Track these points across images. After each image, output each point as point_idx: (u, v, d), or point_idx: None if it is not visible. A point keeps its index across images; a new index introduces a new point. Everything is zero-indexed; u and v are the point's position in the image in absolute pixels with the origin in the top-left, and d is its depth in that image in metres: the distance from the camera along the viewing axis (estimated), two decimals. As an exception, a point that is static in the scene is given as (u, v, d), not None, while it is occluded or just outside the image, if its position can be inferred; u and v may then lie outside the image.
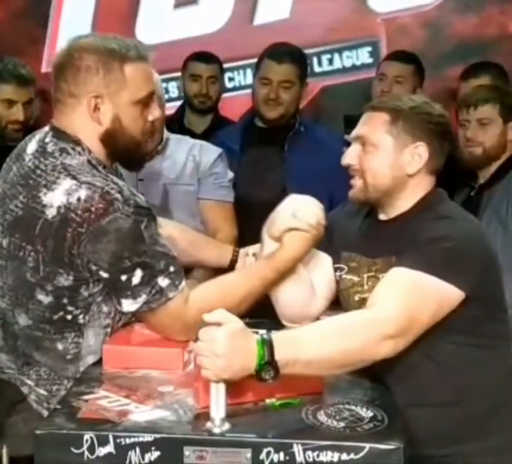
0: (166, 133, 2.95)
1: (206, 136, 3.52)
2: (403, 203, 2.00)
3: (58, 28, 4.51)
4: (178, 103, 4.08)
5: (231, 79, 4.51)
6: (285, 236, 2.02)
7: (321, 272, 2.13)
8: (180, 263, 1.95)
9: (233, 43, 4.27)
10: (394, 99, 2.03)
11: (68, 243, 1.86)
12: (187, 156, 2.95)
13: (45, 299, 1.93)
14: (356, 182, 2.01)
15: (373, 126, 1.98)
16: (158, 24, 4.54)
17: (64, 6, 4.56)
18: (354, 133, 2.02)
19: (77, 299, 1.93)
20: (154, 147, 2.90)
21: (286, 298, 2.10)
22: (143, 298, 1.89)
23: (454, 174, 3.13)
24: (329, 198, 3.19)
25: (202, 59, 3.95)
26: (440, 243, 1.84)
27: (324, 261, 2.14)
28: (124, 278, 1.88)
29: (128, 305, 1.91)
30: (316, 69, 4.37)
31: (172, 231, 2.39)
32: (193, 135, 3.39)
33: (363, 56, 4.45)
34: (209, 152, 2.99)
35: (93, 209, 1.84)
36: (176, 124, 3.68)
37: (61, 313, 1.94)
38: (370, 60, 4.43)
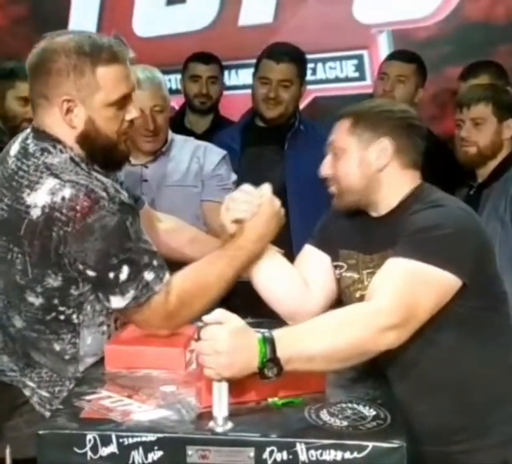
0: (170, 134, 2.95)
1: (206, 136, 3.52)
2: (388, 200, 2.01)
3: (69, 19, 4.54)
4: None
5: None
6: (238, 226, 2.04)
7: (316, 270, 2.14)
8: (162, 257, 1.95)
9: (218, 42, 4.25)
10: (357, 105, 2.07)
11: (54, 243, 1.85)
12: (191, 158, 2.95)
13: (36, 301, 1.93)
14: (334, 190, 2.05)
15: (338, 132, 2.04)
16: (152, 19, 4.56)
17: (71, 10, 4.58)
18: (326, 143, 2.07)
19: (68, 299, 1.93)
20: (159, 147, 2.90)
21: (274, 295, 2.11)
22: (131, 293, 1.89)
23: (453, 173, 3.13)
24: (329, 197, 3.19)
25: (202, 60, 3.96)
26: (434, 231, 1.85)
27: (319, 259, 2.14)
28: (111, 275, 1.87)
29: (117, 302, 1.90)
30: None
31: (172, 228, 2.39)
32: (194, 136, 3.40)
33: (347, 69, 4.41)
34: (214, 154, 2.99)
35: (78, 207, 1.83)
36: (177, 124, 3.68)
37: (54, 314, 1.94)
38: (356, 74, 4.40)
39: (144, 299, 1.90)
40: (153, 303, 1.91)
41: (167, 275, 1.93)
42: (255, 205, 2.02)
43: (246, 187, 2.06)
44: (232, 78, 4.28)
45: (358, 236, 2.07)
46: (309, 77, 4.17)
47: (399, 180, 2.01)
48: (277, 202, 2.07)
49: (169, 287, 1.93)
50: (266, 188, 2.07)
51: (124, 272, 1.87)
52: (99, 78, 1.91)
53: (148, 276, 1.90)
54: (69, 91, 1.91)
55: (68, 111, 1.92)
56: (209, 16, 4.50)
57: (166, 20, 4.56)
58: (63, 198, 1.84)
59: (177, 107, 4.09)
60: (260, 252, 2.06)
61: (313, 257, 2.16)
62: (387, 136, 1.98)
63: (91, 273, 1.88)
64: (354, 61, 4.40)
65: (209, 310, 1.70)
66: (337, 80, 4.43)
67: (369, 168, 1.99)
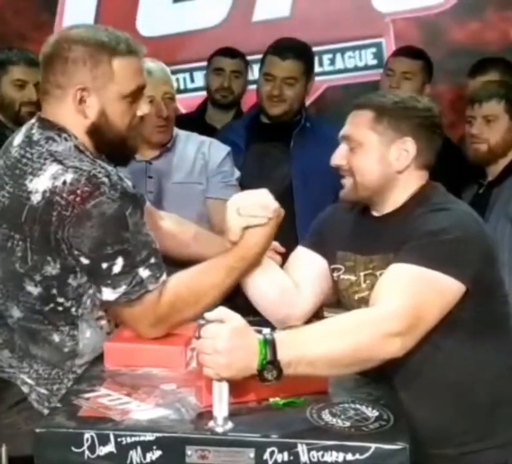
0: (174, 130, 2.93)
1: None
2: (395, 199, 1.98)
3: (63, 14, 4.49)
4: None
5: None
6: (244, 234, 1.98)
7: (308, 273, 2.11)
8: (161, 256, 1.92)
9: (232, 39, 4.23)
10: (378, 96, 2.00)
11: (53, 227, 1.83)
12: (196, 154, 2.93)
13: (34, 290, 1.91)
14: (347, 182, 1.99)
15: (358, 124, 1.96)
16: (158, 18, 4.53)
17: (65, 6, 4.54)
18: (341, 132, 2.00)
19: (65, 290, 1.91)
20: (168, 140, 2.88)
21: (262, 300, 2.09)
22: (123, 288, 1.86)
23: (462, 171, 3.10)
24: (335, 194, 3.17)
25: (227, 54, 3.97)
26: (438, 236, 1.82)
27: (312, 261, 2.12)
28: (105, 265, 1.85)
29: (108, 294, 1.87)
30: (317, 69, 4.30)
31: (175, 225, 2.37)
32: (214, 131, 3.38)
33: (367, 57, 4.42)
34: (219, 150, 2.97)
35: (78, 191, 1.82)
36: (197, 120, 3.66)
37: (52, 305, 1.92)
38: (374, 62, 4.41)
39: (135, 296, 1.87)
40: (144, 302, 1.88)
41: (164, 275, 1.91)
42: (271, 210, 1.96)
43: (264, 191, 1.99)
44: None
45: (356, 236, 2.04)
46: (327, 67, 4.26)
47: (412, 180, 1.97)
48: (282, 213, 2.01)
49: (164, 289, 1.91)
50: (272, 200, 1.99)
51: (118, 264, 1.84)
52: (115, 68, 1.92)
53: (143, 273, 1.87)
54: (85, 80, 1.91)
55: (82, 100, 1.92)
56: (222, 12, 4.47)
57: (174, 18, 4.52)
58: (64, 182, 1.83)
59: (181, 108, 4.06)
60: (258, 263, 2.04)
61: (305, 259, 2.13)
62: (409, 136, 1.92)
63: (84, 261, 1.86)
64: (373, 49, 4.40)
65: (211, 308, 1.68)
66: (356, 69, 4.44)
67: (389, 167, 1.94)
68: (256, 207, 1.96)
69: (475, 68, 3.66)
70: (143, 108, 1.99)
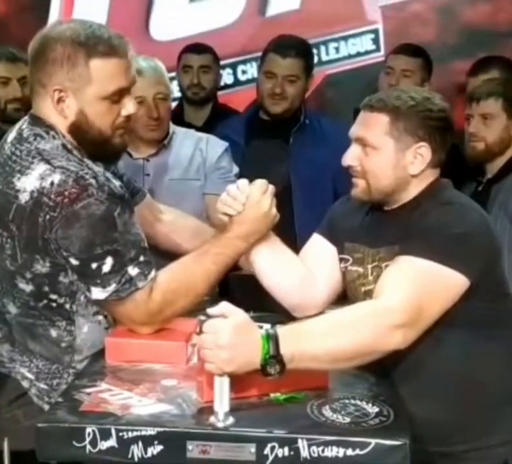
0: (171, 127, 2.93)
1: (206, 128, 3.49)
2: (406, 196, 1.98)
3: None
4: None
5: (244, 72, 4.51)
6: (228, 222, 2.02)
7: (323, 261, 2.12)
8: (150, 254, 1.93)
9: (247, 36, 4.25)
10: (393, 98, 1.95)
11: (40, 228, 1.84)
12: (194, 151, 2.92)
13: (26, 287, 1.91)
14: (359, 183, 1.98)
15: (373, 128, 1.94)
16: (173, 20, 4.50)
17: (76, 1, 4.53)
18: (354, 134, 1.98)
19: (58, 287, 1.91)
20: (162, 137, 2.88)
21: (278, 286, 2.09)
22: (113, 286, 1.86)
23: (461, 168, 3.10)
24: (334, 191, 3.19)
25: (194, 50, 3.97)
26: (445, 230, 1.83)
27: (326, 249, 2.12)
28: (94, 265, 1.85)
29: (97, 293, 1.88)
30: (324, 57, 4.42)
31: (175, 220, 2.37)
32: (194, 129, 3.37)
33: (366, 43, 4.50)
34: (216, 146, 2.96)
35: (66, 193, 1.81)
36: (176, 119, 3.66)
37: (45, 301, 1.92)
38: (373, 47, 4.49)
39: (125, 294, 1.88)
40: (135, 300, 1.89)
41: (153, 272, 1.91)
42: (240, 202, 1.99)
43: (241, 182, 2.03)
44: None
45: (365, 229, 2.04)
46: (334, 55, 4.40)
47: (424, 179, 1.97)
48: (265, 203, 2.01)
49: (155, 285, 1.91)
50: (256, 187, 2.01)
51: (108, 263, 1.85)
52: (93, 70, 1.88)
53: (132, 271, 1.87)
54: (62, 82, 1.89)
55: (59, 101, 1.90)
56: (237, 9, 4.47)
57: (190, 19, 4.49)
58: (52, 184, 1.83)
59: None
60: (245, 251, 2.04)
61: (320, 247, 2.14)
62: (425, 141, 1.92)
63: (74, 261, 1.86)
64: (372, 35, 4.49)
65: (212, 304, 1.68)
66: (358, 54, 4.52)
67: (404, 171, 1.94)
68: (229, 198, 2.01)
69: (476, 67, 3.65)
70: (128, 108, 1.95)
